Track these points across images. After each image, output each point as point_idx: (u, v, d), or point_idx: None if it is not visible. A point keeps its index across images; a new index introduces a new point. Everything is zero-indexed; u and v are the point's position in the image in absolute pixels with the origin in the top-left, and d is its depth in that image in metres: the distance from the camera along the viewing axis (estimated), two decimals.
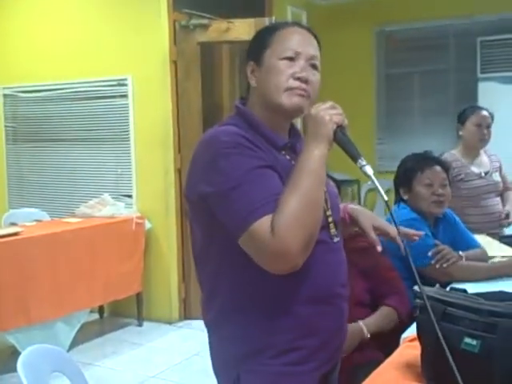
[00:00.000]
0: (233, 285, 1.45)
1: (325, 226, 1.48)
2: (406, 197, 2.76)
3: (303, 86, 1.46)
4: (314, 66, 1.50)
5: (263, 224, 1.30)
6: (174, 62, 4.72)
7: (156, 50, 4.69)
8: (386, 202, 1.34)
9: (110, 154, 4.99)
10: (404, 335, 1.82)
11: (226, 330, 1.49)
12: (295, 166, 1.37)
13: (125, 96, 4.84)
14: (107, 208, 4.53)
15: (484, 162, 3.70)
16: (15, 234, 3.81)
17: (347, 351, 2.10)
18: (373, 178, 1.35)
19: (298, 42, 1.49)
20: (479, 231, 3.13)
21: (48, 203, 5.29)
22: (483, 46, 6.14)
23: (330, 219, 1.52)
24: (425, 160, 2.78)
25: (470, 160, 3.65)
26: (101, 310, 4.91)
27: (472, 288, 1.61)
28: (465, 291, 1.45)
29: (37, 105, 5.36)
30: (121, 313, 4.89)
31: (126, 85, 4.83)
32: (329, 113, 1.39)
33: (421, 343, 1.45)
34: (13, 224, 4.30)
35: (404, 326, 2.15)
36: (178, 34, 4.73)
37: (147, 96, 4.74)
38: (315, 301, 1.45)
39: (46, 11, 5.21)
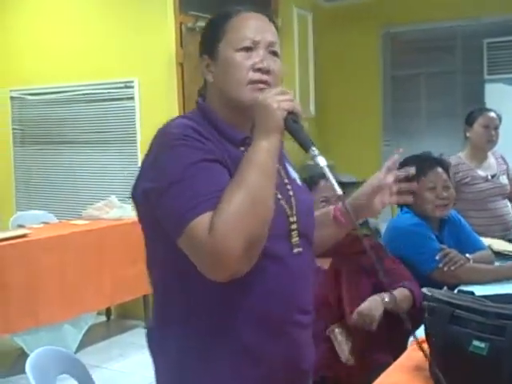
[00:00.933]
0: (174, 297, 1.31)
1: (285, 235, 1.32)
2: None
3: (265, 77, 1.32)
4: (274, 53, 1.36)
5: (202, 222, 1.15)
6: (181, 65, 4.73)
7: (162, 52, 4.70)
8: (339, 196, 1.21)
9: (116, 156, 5.00)
10: (412, 337, 1.81)
11: (164, 351, 1.34)
12: (242, 160, 1.22)
13: (131, 98, 4.86)
14: (114, 210, 4.54)
15: (491, 164, 3.68)
16: (23, 236, 3.83)
17: (372, 323, 2.12)
18: (325, 169, 1.21)
19: (254, 29, 1.35)
20: (485, 234, 3.12)
21: (55, 205, 5.31)
22: (490, 47, 6.12)
23: (294, 227, 1.34)
24: (426, 162, 2.74)
25: (477, 162, 3.64)
26: (108, 312, 4.92)
27: (479, 290, 1.61)
28: (472, 293, 1.45)
29: (44, 107, 5.38)
30: (128, 315, 4.90)
31: (132, 87, 4.85)
32: (277, 99, 1.24)
33: (429, 345, 1.44)
34: (20, 226, 4.32)
35: (413, 323, 2.16)
36: (185, 36, 4.74)
37: (154, 98, 4.75)
38: (262, 326, 1.28)
39: (53, 13, 5.24)
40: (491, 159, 3.71)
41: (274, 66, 1.35)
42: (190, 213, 1.17)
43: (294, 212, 1.35)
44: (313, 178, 2.52)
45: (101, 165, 5.10)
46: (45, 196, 5.44)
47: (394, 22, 6.56)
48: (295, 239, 1.33)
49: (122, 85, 4.90)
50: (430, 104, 6.61)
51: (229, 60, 1.33)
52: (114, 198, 4.71)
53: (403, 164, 2.82)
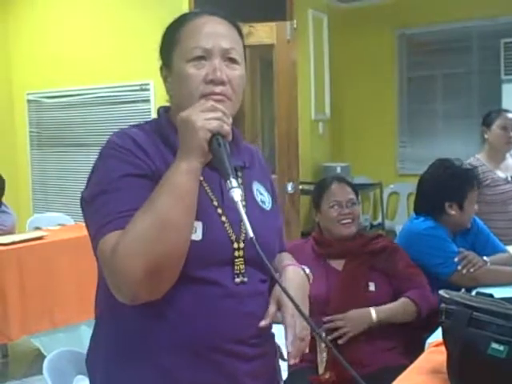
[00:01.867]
0: (103, 314, 1.30)
1: (227, 262, 1.22)
2: (452, 212, 2.59)
3: (219, 88, 1.22)
4: (232, 60, 1.25)
5: (109, 240, 1.11)
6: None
7: None
8: (251, 238, 1.03)
9: None
10: (429, 340, 1.80)
11: (97, 370, 1.31)
12: (160, 181, 1.13)
13: (147, 101, 4.88)
14: None
15: (510, 165, 3.64)
16: (40, 238, 3.86)
17: (354, 333, 2.14)
18: (239, 205, 1.06)
19: (206, 36, 1.24)
20: (506, 237, 3.09)
21: (72, 207, 5.34)
22: (507, 47, 6.07)
23: (239, 253, 1.23)
24: (473, 176, 2.68)
25: (496, 164, 3.60)
26: None
27: (498, 293, 1.59)
28: (491, 296, 1.44)
29: (60, 110, 5.42)
30: None
31: (148, 90, 4.87)
32: (203, 117, 1.12)
33: (446, 348, 1.43)
34: (37, 228, 4.35)
35: (426, 324, 2.14)
36: None
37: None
38: (189, 353, 1.19)
39: (69, 17, 5.28)
40: (509, 160, 3.67)
41: (231, 74, 1.25)
42: (102, 230, 1.14)
43: (243, 238, 1.24)
44: (325, 181, 2.49)
45: None
46: (61, 198, 5.48)
47: (410, 23, 6.54)
48: (239, 267, 1.24)
49: (137, 87, 4.93)
50: (446, 105, 6.58)
51: (180, 72, 1.24)
52: None
53: (448, 168, 2.69)
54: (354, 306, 2.20)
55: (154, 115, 5.01)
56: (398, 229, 5.87)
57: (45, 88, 5.45)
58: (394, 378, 1.50)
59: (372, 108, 6.71)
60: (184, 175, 1.11)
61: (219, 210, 1.24)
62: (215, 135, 1.12)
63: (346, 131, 6.82)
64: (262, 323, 1.24)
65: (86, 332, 4.05)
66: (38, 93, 5.53)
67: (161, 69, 1.34)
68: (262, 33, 4.56)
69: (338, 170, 5.96)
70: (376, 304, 2.23)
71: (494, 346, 1.27)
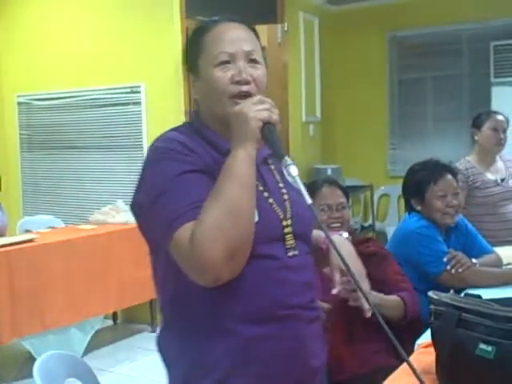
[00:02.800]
0: (173, 299, 1.37)
1: (279, 238, 1.35)
2: (418, 208, 2.71)
3: (245, 88, 1.34)
4: (254, 61, 1.38)
5: (184, 231, 1.21)
6: (187, 69, 4.74)
7: (169, 57, 4.72)
8: (309, 205, 1.18)
9: (123, 161, 5.02)
10: (419, 341, 1.81)
11: (168, 350, 1.40)
12: (221, 170, 1.26)
13: (138, 103, 4.88)
14: (121, 214, 4.55)
15: (500, 168, 3.65)
16: (30, 240, 3.84)
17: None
18: (297, 179, 1.20)
19: (229, 41, 1.37)
20: (496, 238, 3.11)
21: (62, 210, 5.33)
22: (496, 50, 6.11)
23: (288, 230, 1.36)
24: (435, 169, 2.72)
25: (486, 166, 3.61)
26: (114, 316, 4.92)
27: (487, 294, 1.60)
28: (479, 297, 1.45)
29: (51, 112, 5.40)
30: (134, 319, 4.91)
31: (139, 92, 4.86)
32: (253, 109, 1.26)
33: (435, 349, 1.44)
34: (27, 231, 4.34)
35: (409, 328, 2.15)
36: None
37: (160, 103, 4.77)
38: (258, 322, 1.31)
39: (60, 19, 5.26)
40: (499, 163, 3.68)
41: (255, 73, 1.37)
42: (175, 223, 1.23)
43: (289, 215, 1.37)
44: (316, 184, 2.49)
45: (107, 169, 5.11)
46: (52, 201, 5.46)
47: (401, 26, 6.57)
48: (290, 242, 1.36)
49: (128, 90, 4.92)
50: (437, 107, 6.60)
51: (208, 76, 1.36)
52: (120, 203, 4.73)
53: (412, 171, 2.81)
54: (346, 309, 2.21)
55: (144, 117, 4.98)
56: (389, 230, 5.90)
57: (35, 90, 5.43)
58: (384, 379, 1.51)
59: (363, 110, 6.73)
60: (243, 162, 1.24)
61: (265, 194, 1.37)
62: (266, 124, 1.25)
63: (336, 133, 6.84)
64: (334, 291, 1.40)
65: (76, 335, 4.05)
66: (28, 95, 5.51)
67: (188, 74, 1.46)
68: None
69: (329, 171, 5.98)
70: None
71: (482, 346, 1.28)
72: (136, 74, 4.87)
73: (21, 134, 5.62)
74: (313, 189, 2.46)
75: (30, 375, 1.71)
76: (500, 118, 3.62)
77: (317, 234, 1.50)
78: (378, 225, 6.62)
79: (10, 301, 3.59)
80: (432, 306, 1.44)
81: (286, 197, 1.40)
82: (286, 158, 1.22)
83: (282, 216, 1.36)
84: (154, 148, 1.35)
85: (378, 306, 2.19)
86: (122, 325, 4.96)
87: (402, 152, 6.71)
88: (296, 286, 1.36)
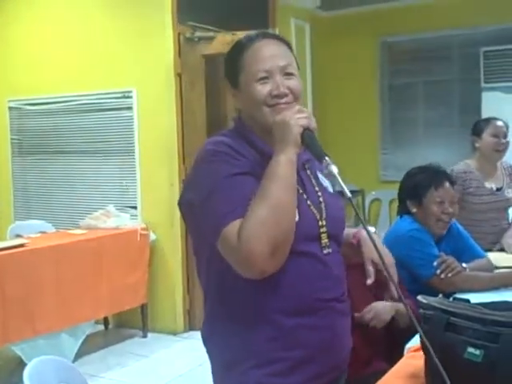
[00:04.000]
0: (218, 292, 1.50)
1: (315, 237, 1.48)
2: (414, 210, 2.72)
3: (283, 100, 1.48)
4: (289, 74, 1.51)
5: (232, 228, 1.34)
6: (179, 75, 4.75)
7: (161, 62, 4.72)
8: (349, 198, 1.33)
9: (115, 166, 5.01)
10: (408, 345, 1.82)
11: (212, 338, 1.55)
12: (265, 173, 1.38)
13: (130, 108, 4.87)
14: (112, 219, 4.55)
15: (499, 176, 3.63)
16: (21, 245, 3.83)
17: (381, 325, 2.25)
18: (337, 177, 1.33)
19: (267, 58, 1.50)
20: (485, 240, 3.12)
21: (53, 215, 5.31)
22: (486, 56, 6.16)
23: (323, 230, 1.50)
24: (437, 175, 2.73)
25: (486, 174, 3.57)
26: (106, 321, 4.91)
27: (475, 298, 1.61)
28: (468, 301, 1.46)
29: (42, 117, 5.39)
30: (126, 324, 4.90)
31: (130, 97, 4.86)
32: (294, 117, 1.39)
33: (424, 353, 1.45)
34: (18, 236, 4.32)
35: (408, 335, 2.16)
36: (183, 46, 4.76)
37: (152, 108, 4.77)
38: (297, 312, 1.44)
39: (51, 24, 5.26)
40: (499, 171, 3.66)
41: (291, 84, 1.49)
42: (224, 220, 1.35)
43: (324, 216, 1.50)
44: None
45: (99, 174, 5.10)
46: (43, 206, 5.45)
47: (392, 32, 6.60)
48: (325, 241, 1.49)
49: (120, 95, 4.92)
50: (428, 112, 6.64)
51: (249, 90, 1.49)
52: (111, 208, 4.72)
53: (411, 174, 2.81)
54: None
55: (136, 122, 4.97)
56: (380, 235, 5.90)
57: (27, 95, 5.42)
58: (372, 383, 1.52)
59: (354, 115, 6.76)
60: (285, 166, 1.36)
61: (304, 196, 1.49)
62: (305, 130, 1.39)
63: (328, 138, 6.84)
64: (369, 281, 1.54)
65: (66, 340, 4.04)
66: (19, 100, 5.49)
67: (229, 88, 1.58)
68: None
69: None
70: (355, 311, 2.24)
71: (471, 350, 1.29)
72: (128, 79, 4.87)
73: (12, 139, 5.60)
74: None
75: (20, 381, 1.70)
76: (499, 123, 3.61)
77: (346, 231, 1.64)
78: (370, 229, 6.62)
79: (0, 306, 3.58)
80: (421, 310, 1.45)
81: (321, 199, 1.52)
82: (327, 158, 1.34)
83: (318, 217, 1.49)
84: (205, 150, 1.48)
85: (396, 315, 2.26)
86: (114, 330, 4.94)
87: (394, 157, 6.74)
88: (331, 280, 1.49)
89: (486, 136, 3.57)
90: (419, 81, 6.68)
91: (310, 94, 6.48)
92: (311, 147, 1.39)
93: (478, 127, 3.64)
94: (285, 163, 1.37)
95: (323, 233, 1.49)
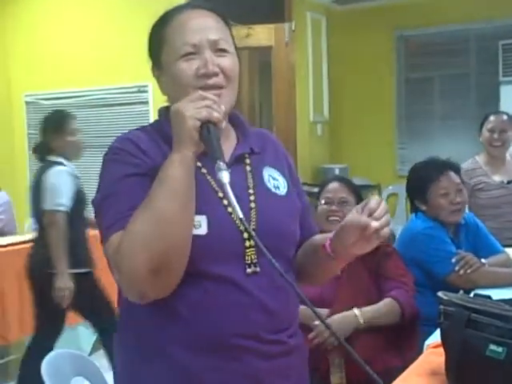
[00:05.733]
0: (122, 311, 1.30)
1: (236, 254, 1.19)
2: (423, 208, 2.66)
3: (211, 81, 1.22)
4: (222, 50, 1.25)
5: (113, 242, 1.13)
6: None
7: None
8: (241, 219, 1.05)
9: None
10: (428, 342, 1.80)
11: (115, 368, 1.33)
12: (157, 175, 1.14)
13: (145, 103, 4.88)
14: None
15: (509, 169, 3.60)
16: None
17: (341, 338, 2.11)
18: (227, 187, 1.06)
19: (192, 31, 1.24)
20: (497, 236, 3.09)
21: None
22: (505, 49, 6.08)
23: (250, 243, 1.20)
24: (436, 167, 2.67)
25: (493, 167, 3.55)
26: None
27: (496, 294, 1.59)
28: (489, 297, 1.44)
29: None
30: None
31: (146, 92, 4.87)
32: (191, 107, 1.12)
33: (445, 350, 1.43)
34: None
35: (407, 327, 2.14)
36: None
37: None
38: (201, 351, 1.17)
39: (67, 18, 5.28)
40: (509, 163, 3.63)
41: (223, 63, 1.24)
42: (107, 233, 1.15)
43: (254, 226, 1.21)
44: (326, 180, 2.54)
45: None
46: None
47: (408, 25, 6.54)
48: (250, 257, 1.20)
49: (135, 89, 4.93)
50: (445, 106, 6.58)
51: (172, 70, 1.25)
52: None
53: (413, 171, 2.79)
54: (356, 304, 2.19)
55: (152, 117, 5.00)
56: (397, 230, 5.88)
57: (43, 90, 5.45)
58: (389, 380, 1.50)
59: (370, 109, 6.71)
60: (177, 166, 1.11)
61: (225, 202, 1.20)
62: (205, 123, 1.12)
63: (344, 133, 6.82)
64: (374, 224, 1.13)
65: (83, 333, 4.05)
66: (36, 94, 5.52)
67: (152, 69, 1.34)
68: (261, 35, 4.57)
69: (337, 171, 5.96)
70: (365, 299, 2.21)
71: (493, 347, 1.27)
72: (143, 74, 4.82)
73: (29, 134, 5.63)
74: (322, 185, 2.51)
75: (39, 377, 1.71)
76: (498, 118, 3.56)
77: (320, 239, 1.32)
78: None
79: (18, 299, 3.60)
80: (441, 307, 1.43)
81: (252, 205, 1.23)
82: (219, 162, 1.08)
83: (241, 228, 1.19)
84: (109, 148, 1.27)
85: (372, 321, 2.16)
86: None
87: (410, 151, 6.69)
88: (251, 312, 1.19)
89: (485, 130, 3.55)
90: (436, 74, 6.62)
91: (327, 88, 6.44)
92: (207, 146, 1.12)
93: (482, 121, 3.62)
94: (177, 164, 1.11)
95: (249, 247, 1.19)
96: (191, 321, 1.17)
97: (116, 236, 1.13)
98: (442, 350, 1.46)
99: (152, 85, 4.83)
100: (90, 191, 5.52)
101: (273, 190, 1.29)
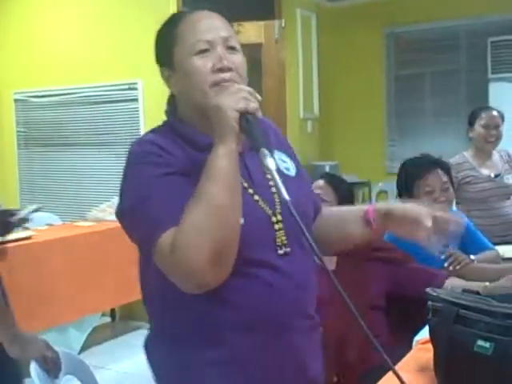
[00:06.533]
0: (162, 308, 1.33)
1: (268, 238, 1.27)
2: None
3: (227, 75, 1.27)
4: (232, 48, 1.31)
5: (166, 239, 1.16)
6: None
7: None
8: (287, 201, 1.11)
9: (120, 158, 4.98)
10: (417, 338, 1.81)
11: (154, 357, 1.37)
12: (203, 169, 1.18)
13: (135, 100, 4.87)
14: None
15: (496, 163, 3.65)
16: (27, 238, 3.83)
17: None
18: (273, 173, 1.13)
19: (206, 29, 1.30)
20: (487, 233, 3.10)
21: (60, 207, 5.32)
22: (494, 46, 6.10)
23: (279, 226, 1.28)
24: (424, 164, 2.65)
25: (481, 161, 3.61)
26: (112, 313, 4.92)
27: None
28: (478, 293, 1.45)
29: (47, 110, 5.39)
30: (133, 316, 4.90)
31: (136, 89, 4.85)
32: (230, 100, 1.17)
33: (433, 346, 1.44)
34: (25, 228, 4.31)
35: (409, 326, 2.15)
36: None
37: (157, 100, 4.70)
38: (247, 331, 1.25)
39: (58, 16, 5.25)
40: (496, 158, 3.68)
41: (235, 60, 1.30)
42: (157, 230, 1.17)
43: (279, 210, 1.29)
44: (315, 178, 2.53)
45: (105, 167, 5.10)
46: (49, 198, 5.45)
47: (398, 22, 6.56)
48: (281, 239, 1.28)
49: (125, 86, 4.91)
50: (435, 103, 6.60)
51: (187, 67, 1.29)
52: (116, 200, 4.71)
53: (402, 167, 2.79)
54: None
55: (142, 114, 4.97)
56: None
57: (32, 87, 5.42)
58: (379, 377, 1.50)
59: (360, 106, 6.72)
60: (223, 159, 1.16)
61: (250, 191, 1.28)
62: (243, 114, 1.17)
63: (334, 130, 6.83)
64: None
65: (73, 332, 4.05)
66: (25, 92, 5.49)
67: (161, 70, 1.38)
68: (251, 32, 4.56)
69: (327, 168, 5.97)
70: (369, 303, 2.21)
71: (480, 343, 1.28)
72: (133, 71, 4.85)
73: (18, 131, 5.60)
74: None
75: (27, 373, 1.71)
76: (491, 113, 3.60)
77: (350, 208, 1.49)
78: None
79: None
80: (430, 303, 1.44)
81: (273, 189, 1.30)
82: (263, 149, 1.14)
83: (269, 212, 1.28)
84: (130, 153, 1.30)
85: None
86: (120, 322, 4.96)
87: (400, 148, 6.70)
88: (289, 291, 1.28)
89: (478, 126, 3.58)
90: (426, 71, 6.63)
91: (317, 85, 6.44)
92: (249, 135, 1.18)
93: (472, 117, 3.66)
94: (222, 156, 1.16)
95: (279, 230, 1.28)
96: (239, 305, 1.24)
97: (168, 233, 1.15)
98: (430, 346, 1.46)
99: (142, 82, 4.82)
100: (82, 189, 5.50)
101: (285, 171, 1.36)
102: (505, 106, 4.02)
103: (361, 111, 6.70)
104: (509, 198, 3.62)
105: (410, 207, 1.36)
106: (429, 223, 1.29)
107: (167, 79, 1.36)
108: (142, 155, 1.26)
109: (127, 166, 1.29)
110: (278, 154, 1.38)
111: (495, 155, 3.68)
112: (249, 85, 1.39)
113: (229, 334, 1.25)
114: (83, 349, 4.07)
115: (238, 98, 1.18)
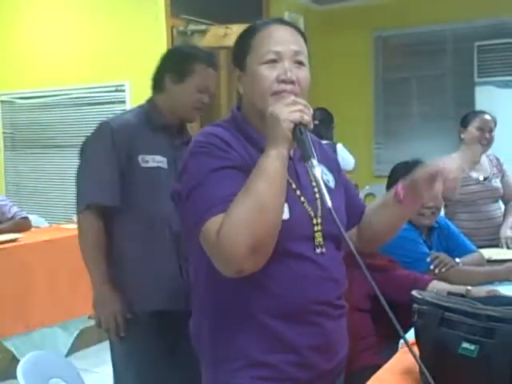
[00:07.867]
0: (207, 284, 1.44)
1: (308, 236, 1.42)
2: None
3: (288, 87, 1.39)
4: (299, 63, 1.43)
5: (214, 223, 1.28)
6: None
7: (154, 55, 4.64)
8: (329, 208, 1.24)
9: None
10: (402, 340, 1.81)
11: (201, 334, 1.48)
12: (254, 167, 1.31)
13: (123, 102, 4.85)
14: None
15: (484, 166, 3.66)
16: (14, 240, 3.81)
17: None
18: (320, 182, 1.25)
19: (278, 41, 1.42)
20: (474, 237, 3.12)
21: (46, 209, 5.29)
22: (480, 50, 6.15)
23: (317, 228, 1.43)
24: (413, 169, 2.68)
25: (470, 164, 3.62)
26: None
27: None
28: (463, 296, 1.46)
29: (34, 111, 5.36)
30: None
31: (123, 91, 4.84)
32: (286, 111, 1.29)
33: (419, 348, 1.45)
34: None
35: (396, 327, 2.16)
36: (176, 39, 4.74)
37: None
38: (286, 316, 1.39)
39: (44, 17, 5.23)
40: (485, 161, 3.69)
41: (300, 74, 1.42)
42: (206, 214, 1.30)
43: (320, 214, 1.43)
44: None
45: None
46: (35, 200, 5.42)
47: (386, 26, 6.59)
48: (319, 240, 1.42)
49: (113, 88, 4.90)
50: (421, 107, 6.64)
51: (255, 73, 1.42)
52: None
53: (393, 170, 2.81)
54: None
55: None
56: None
57: (18, 88, 5.39)
58: (366, 378, 1.51)
59: (348, 109, 6.74)
60: (274, 161, 1.28)
61: (298, 192, 1.42)
62: (297, 125, 1.29)
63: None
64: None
65: (60, 335, 4.02)
66: (11, 93, 5.46)
67: (235, 70, 1.50)
68: (239, 34, 4.56)
69: None
70: (353, 305, 2.22)
71: (465, 345, 1.29)
72: (121, 73, 4.84)
73: (4, 133, 5.57)
74: None
75: (13, 376, 1.70)
76: (487, 117, 3.63)
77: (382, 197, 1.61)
78: None
79: None
80: (415, 305, 1.45)
81: (317, 195, 1.44)
82: (312, 160, 1.26)
83: (312, 214, 1.42)
84: (194, 141, 1.41)
85: None
86: None
87: (387, 151, 6.74)
88: (323, 283, 1.43)
89: (472, 128, 3.60)
90: (413, 75, 6.67)
91: None
92: (300, 145, 1.30)
93: (466, 119, 3.67)
94: (274, 159, 1.29)
95: (317, 231, 1.42)
96: (278, 292, 1.37)
97: (217, 218, 1.28)
98: (415, 348, 1.47)
99: (129, 84, 4.81)
100: (68, 191, 5.48)
101: (326, 183, 1.47)
102: (491, 109, 4.03)
103: (347, 114, 6.72)
104: (496, 201, 3.65)
105: (427, 166, 1.50)
106: (453, 168, 1.47)
107: (238, 78, 1.49)
108: (203, 145, 1.37)
109: (190, 153, 1.40)
110: (321, 167, 1.45)
111: (484, 159, 3.69)
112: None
113: (267, 318, 1.38)
114: (70, 352, 4.04)
115: (294, 110, 1.29)
